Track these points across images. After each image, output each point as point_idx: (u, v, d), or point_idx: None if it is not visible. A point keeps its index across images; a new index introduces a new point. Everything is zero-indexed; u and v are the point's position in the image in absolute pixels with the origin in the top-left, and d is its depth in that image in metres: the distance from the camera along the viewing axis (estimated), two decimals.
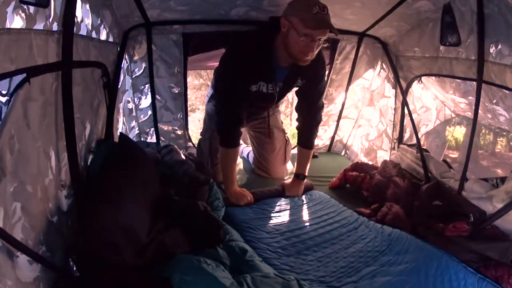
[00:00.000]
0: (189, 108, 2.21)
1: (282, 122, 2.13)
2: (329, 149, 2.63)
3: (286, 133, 2.07)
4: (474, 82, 1.40)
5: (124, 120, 2.01)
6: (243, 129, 2.08)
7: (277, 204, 1.64)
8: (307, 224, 1.50)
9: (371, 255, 1.30)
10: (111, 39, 1.49)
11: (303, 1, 1.31)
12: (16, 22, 0.68)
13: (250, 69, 1.48)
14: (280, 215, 1.56)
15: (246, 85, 1.54)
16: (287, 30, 1.36)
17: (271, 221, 1.49)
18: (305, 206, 1.65)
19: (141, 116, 2.12)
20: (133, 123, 2.13)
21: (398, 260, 1.25)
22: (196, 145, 2.08)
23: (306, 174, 1.79)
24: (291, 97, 6.84)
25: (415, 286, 1.13)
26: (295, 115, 1.82)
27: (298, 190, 1.76)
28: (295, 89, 1.69)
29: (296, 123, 1.78)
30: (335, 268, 1.23)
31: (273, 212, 1.57)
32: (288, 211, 1.60)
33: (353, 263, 1.26)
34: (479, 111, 1.44)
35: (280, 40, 1.43)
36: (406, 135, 2.15)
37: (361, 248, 1.34)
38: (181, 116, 2.15)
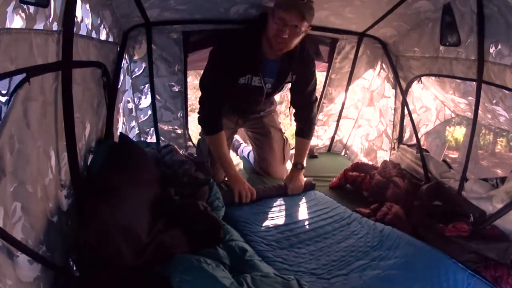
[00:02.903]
0: (189, 108, 2.20)
1: (280, 122, 2.13)
2: (329, 149, 2.63)
3: (284, 133, 2.07)
4: (474, 82, 1.40)
5: (124, 120, 2.01)
6: (242, 129, 2.09)
7: (274, 201, 1.66)
8: (301, 219, 1.52)
9: (362, 250, 1.32)
10: (111, 39, 1.49)
11: None
12: (16, 22, 0.68)
13: (237, 61, 1.52)
14: (276, 211, 1.58)
15: (234, 77, 1.58)
16: (269, 16, 1.44)
17: (267, 216, 1.52)
18: (300, 203, 1.67)
19: (141, 116, 2.12)
20: (133, 123, 2.13)
21: (389, 255, 1.27)
22: (196, 145, 2.08)
23: (304, 164, 1.81)
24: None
25: (403, 280, 1.14)
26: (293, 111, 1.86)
27: (297, 181, 1.76)
28: (289, 86, 1.75)
29: (294, 118, 1.83)
30: (327, 262, 1.25)
31: (269, 208, 1.60)
32: (284, 207, 1.63)
33: (344, 257, 1.28)
34: (479, 111, 1.44)
35: (267, 32, 1.48)
36: (406, 135, 2.15)
37: (353, 243, 1.36)
38: (181, 115, 2.15)
